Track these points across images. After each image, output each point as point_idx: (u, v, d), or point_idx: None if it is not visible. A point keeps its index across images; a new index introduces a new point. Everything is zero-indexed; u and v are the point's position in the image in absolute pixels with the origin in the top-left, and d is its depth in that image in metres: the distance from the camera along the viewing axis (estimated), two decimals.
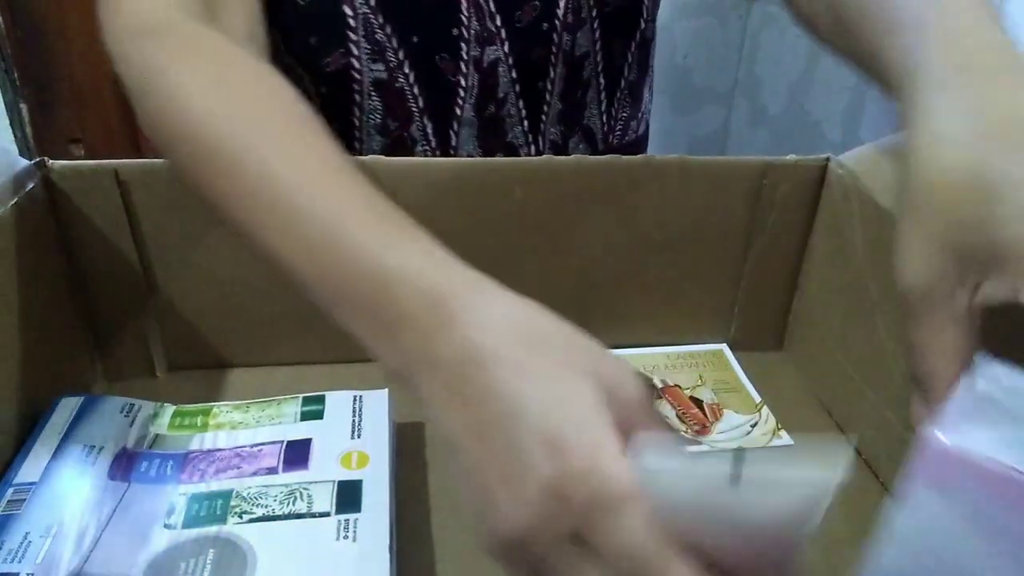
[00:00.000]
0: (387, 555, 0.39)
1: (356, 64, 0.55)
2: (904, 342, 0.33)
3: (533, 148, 0.63)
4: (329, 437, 0.46)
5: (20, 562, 0.37)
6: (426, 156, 0.60)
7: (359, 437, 0.46)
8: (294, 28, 0.55)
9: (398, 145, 0.59)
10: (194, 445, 0.46)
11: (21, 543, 0.38)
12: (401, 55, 0.56)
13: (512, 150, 0.62)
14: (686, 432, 0.53)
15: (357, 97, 0.57)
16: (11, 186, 0.46)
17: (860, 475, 0.50)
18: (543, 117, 0.62)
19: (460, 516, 0.29)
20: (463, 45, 0.57)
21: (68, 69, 1.45)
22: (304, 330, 0.55)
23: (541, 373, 0.26)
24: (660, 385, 0.57)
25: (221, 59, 0.41)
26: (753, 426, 0.54)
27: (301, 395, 0.49)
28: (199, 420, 0.47)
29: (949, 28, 0.34)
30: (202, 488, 0.43)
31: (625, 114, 0.67)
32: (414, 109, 0.58)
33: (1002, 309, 0.31)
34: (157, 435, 0.46)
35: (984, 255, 0.30)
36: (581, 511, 0.24)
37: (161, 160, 0.47)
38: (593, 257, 0.56)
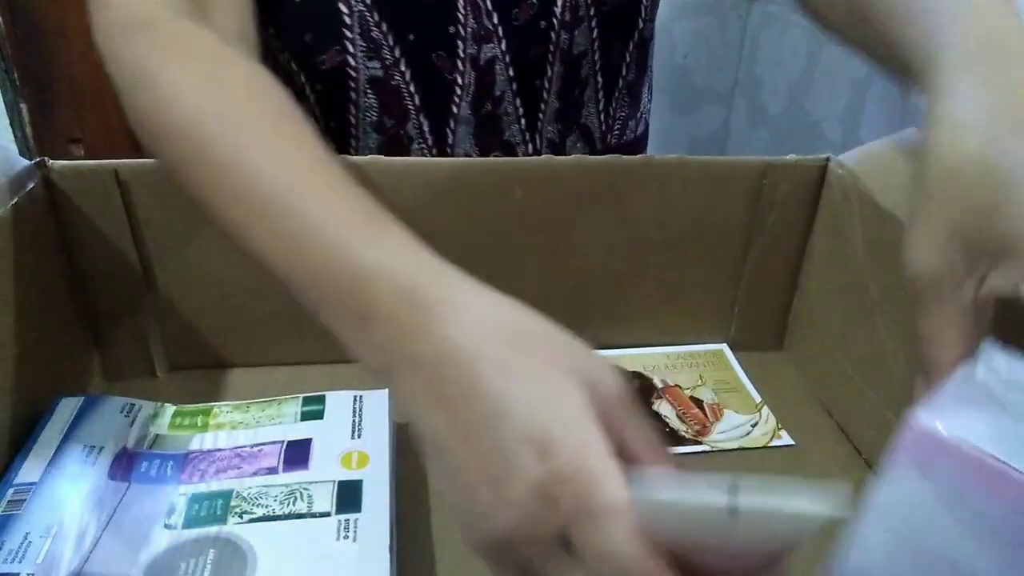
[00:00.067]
0: (387, 555, 0.39)
1: (352, 62, 0.55)
2: (907, 336, 0.33)
3: (530, 147, 0.63)
4: (329, 437, 0.46)
5: (20, 562, 0.37)
6: (422, 154, 0.60)
7: (359, 437, 0.46)
8: (290, 25, 0.55)
9: (394, 143, 0.59)
10: (194, 445, 0.46)
11: (21, 543, 0.38)
12: (397, 52, 0.56)
13: (509, 148, 0.62)
14: (686, 432, 0.53)
15: (353, 95, 0.57)
16: (11, 186, 0.46)
17: (860, 475, 0.50)
18: (540, 115, 0.61)
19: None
20: (460, 43, 0.57)
21: (68, 69, 1.45)
22: (304, 330, 0.54)
23: (526, 373, 0.26)
24: (660, 385, 0.57)
25: (211, 57, 0.41)
26: (753, 426, 0.54)
27: (301, 395, 0.49)
28: (199, 420, 0.47)
29: (971, 11, 0.35)
30: (202, 488, 0.43)
31: (623, 113, 0.67)
32: (410, 107, 0.58)
33: (1008, 300, 0.31)
34: (157, 435, 0.46)
35: (993, 246, 0.31)
36: (568, 512, 0.24)
37: None
38: (593, 257, 0.56)
